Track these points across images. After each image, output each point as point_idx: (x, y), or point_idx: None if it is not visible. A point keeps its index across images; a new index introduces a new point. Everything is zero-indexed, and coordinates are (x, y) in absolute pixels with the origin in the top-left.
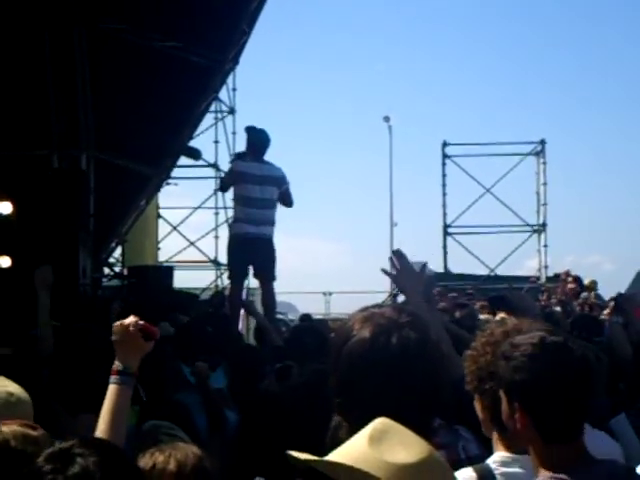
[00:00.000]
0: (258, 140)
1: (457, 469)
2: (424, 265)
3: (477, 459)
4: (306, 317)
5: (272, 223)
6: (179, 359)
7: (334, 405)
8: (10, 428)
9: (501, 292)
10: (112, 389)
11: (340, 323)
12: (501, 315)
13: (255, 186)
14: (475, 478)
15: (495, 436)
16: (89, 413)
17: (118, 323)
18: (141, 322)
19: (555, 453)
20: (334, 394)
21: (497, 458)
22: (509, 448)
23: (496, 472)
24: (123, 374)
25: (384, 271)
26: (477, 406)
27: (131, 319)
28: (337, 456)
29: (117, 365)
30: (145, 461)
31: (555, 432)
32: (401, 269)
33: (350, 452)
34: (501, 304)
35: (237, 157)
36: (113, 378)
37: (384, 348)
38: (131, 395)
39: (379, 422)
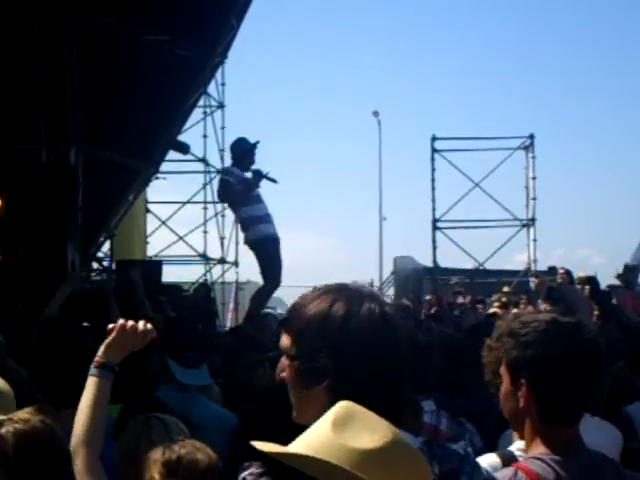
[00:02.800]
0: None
1: None
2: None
3: (481, 452)
4: None
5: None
6: (166, 353)
7: (323, 388)
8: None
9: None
10: (92, 381)
11: (305, 302)
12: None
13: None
14: (499, 464)
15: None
16: (73, 407)
17: (121, 324)
18: (144, 327)
19: (553, 435)
20: (324, 376)
21: (519, 446)
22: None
23: (520, 459)
24: (105, 367)
25: None
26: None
27: (138, 325)
28: (300, 445)
29: (100, 357)
30: (163, 453)
31: (557, 413)
32: None
33: (313, 440)
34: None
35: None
36: (95, 370)
37: (391, 323)
38: (110, 389)
39: (341, 406)
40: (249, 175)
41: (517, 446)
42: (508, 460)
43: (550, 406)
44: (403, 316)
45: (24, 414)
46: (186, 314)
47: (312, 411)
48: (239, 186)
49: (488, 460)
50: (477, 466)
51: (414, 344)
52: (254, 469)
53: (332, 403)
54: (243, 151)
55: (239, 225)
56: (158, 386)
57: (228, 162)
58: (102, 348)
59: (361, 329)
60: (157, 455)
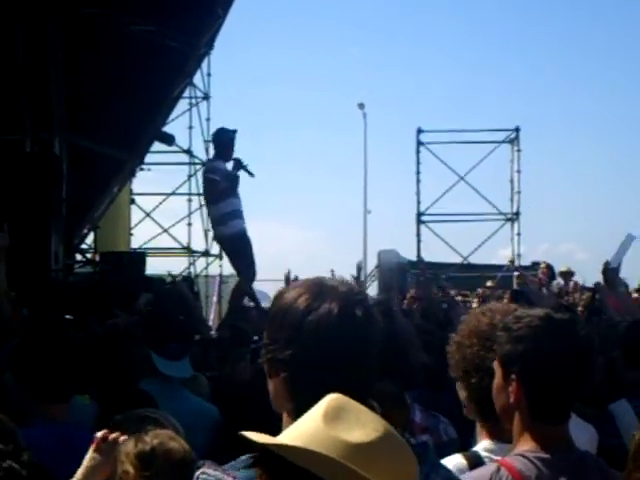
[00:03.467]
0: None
1: (442, 451)
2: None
3: (456, 442)
4: None
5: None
6: (147, 345)
7: (281, 379)
8: None
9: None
10: None
11: (281, 293)
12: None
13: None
14: (465, 465)
15: (479, 425)
16: (57, 402)
17: (109, 438)
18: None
19: (541, 432)
20: (281, 367)
21: (485, 446)
22: (493, 437)
23: (485, 459)
24: None
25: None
26: (461, 393)
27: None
28: (291, 436)
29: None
30: (135, 444)
31: (547, 409)
32: None
33: (304, 432)
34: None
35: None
36: None
37: (353, 321)
38: None
39: (333, 399)
40: (230, 165)
41: (483, 446)
42: (474, 461)
43: (540, 402)
44: (386, 311)
45: None
46: (169, 307)
47: (278, 400)
48: (224, 183)
49: (454, 462)
50: (436, 465)
51: (393, 341)
52: (207, 468)
53: (290, 395)
54: (225, 140)
55: (210, 220)
56: (140, 378)
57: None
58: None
59: (317, 325)
60: (129, 447)
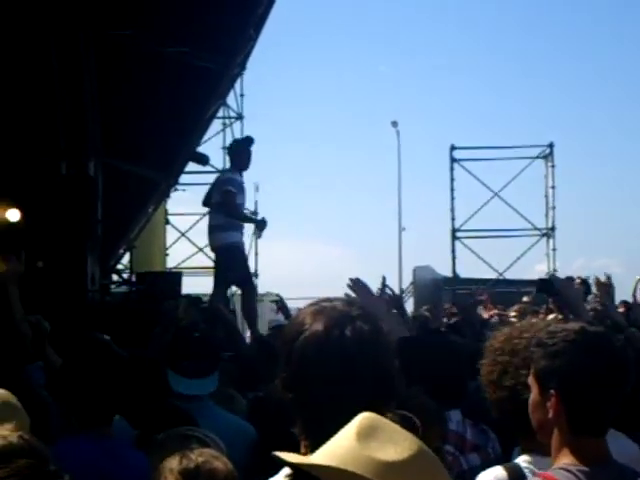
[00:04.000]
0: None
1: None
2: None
3: (503, 459)
4: None
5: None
6: (166, 363)
7: (287, 401)
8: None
9: (549, 276)
10: None
11: (292, 316)
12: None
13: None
14: (506, 476)
15: (520, 439)
16: (102, 426)
17: None
18: None
19: (582, 445)
20: (286, 390)
21: (525, 459)
22: (531, 451)
23: (526, 471)
24: None
25: (349, 286)
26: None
27: None
28: (325, 456)
29: None
30: (180, 461)
31: (586, 423)
32: (366, 295)
33: (338, 451)
34: (547, 289)
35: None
36: None
37: (339, 340)
38: None
39: (365, 417)
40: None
41: (523, 459)
42: (514, 473)
43: (579, 416)
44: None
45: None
46: (204, 325)
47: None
48: (239, 196)
49: (494, 473)
50: None
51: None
52: None
53: (295, 416)
54: (239, 150)
55: (208, 228)
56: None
57: (245, 175)
58: None
59: (304, 345)
60: (174, 464)
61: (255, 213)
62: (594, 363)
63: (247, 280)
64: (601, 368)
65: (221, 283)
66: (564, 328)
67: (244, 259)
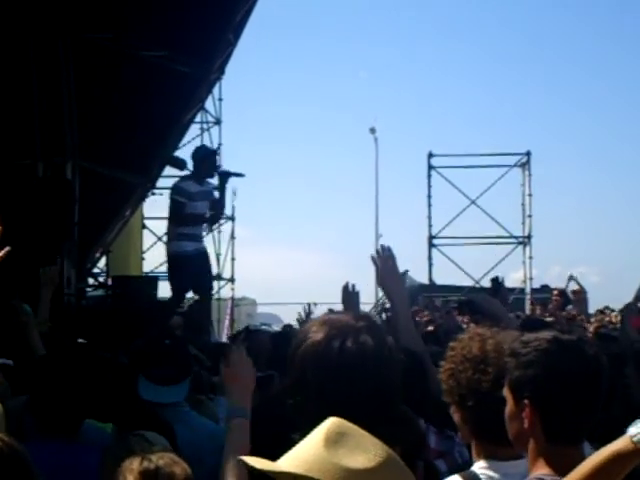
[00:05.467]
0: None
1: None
2: (405, 272)
3: (470, 464)
4: (288, 327)
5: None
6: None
7: (289, 406)
8: None
9: (468, 296)
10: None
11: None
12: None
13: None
14: None
15: (474, 446)
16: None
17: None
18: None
19: (557, 455)
20: (289, 395)
21: (481, 465)
22: (487, 457)
23: (482, 477)
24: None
25: (373, 258)
26: (456, 417)
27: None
28: (292, 461)
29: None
30: (140, 462)
31: (562, 432)
32: (388, 268)
33: (305, 457)
34: (469, 308)
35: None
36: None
37: (338, 350)
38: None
39: (333, 423)
40: (215, 180)
41: (479, 465)
42: None
43: (554, 425)
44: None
45: None
46: (178, 331)
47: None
48: (189, 206)
49: None
50: None
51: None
52: None
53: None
54: (199, 158)
55: (168, 235)
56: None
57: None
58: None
59: (303, 356)
60: (134, 464)
61: (232, 218)
62: (567, 371)
63: (200, 288)
64: (574, 376)
65: (173, 290)
66: (537, 337)
67: (192, 269)
